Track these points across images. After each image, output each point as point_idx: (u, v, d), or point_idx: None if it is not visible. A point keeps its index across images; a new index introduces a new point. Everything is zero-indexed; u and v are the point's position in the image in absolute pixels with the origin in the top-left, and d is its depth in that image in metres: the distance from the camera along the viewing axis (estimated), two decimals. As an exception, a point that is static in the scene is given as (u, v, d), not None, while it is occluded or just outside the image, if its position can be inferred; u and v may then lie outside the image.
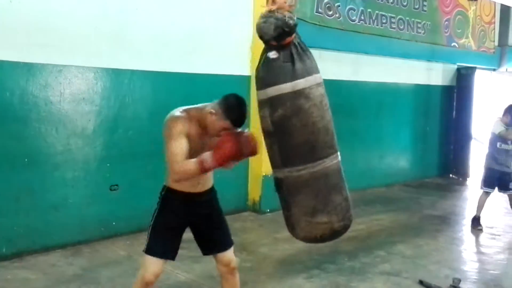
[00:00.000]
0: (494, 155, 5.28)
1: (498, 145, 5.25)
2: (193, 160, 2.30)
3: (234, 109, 2.36)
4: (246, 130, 2.42)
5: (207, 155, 2.28)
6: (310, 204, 2.22)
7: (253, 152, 2.34)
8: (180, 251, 2.65)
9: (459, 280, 3.72)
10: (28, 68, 4.08)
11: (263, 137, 2.30)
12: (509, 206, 5.43)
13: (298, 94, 2.14)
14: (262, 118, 2.24)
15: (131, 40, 4.66)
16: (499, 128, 5.21)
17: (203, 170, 2.30)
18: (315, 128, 2.17)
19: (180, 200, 2.52)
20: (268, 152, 2.28)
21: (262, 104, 2.22)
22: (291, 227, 2.33)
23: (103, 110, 4.55)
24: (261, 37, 2.19)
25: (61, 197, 4.33)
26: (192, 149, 2.37)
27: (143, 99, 4.78)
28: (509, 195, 5.36)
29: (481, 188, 5.41)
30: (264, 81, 2.18)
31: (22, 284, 3.57)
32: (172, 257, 2.58)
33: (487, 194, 5.37)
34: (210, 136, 2.44)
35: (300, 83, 2.14)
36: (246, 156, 2.33)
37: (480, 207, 5.40)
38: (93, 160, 4.51)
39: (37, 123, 4.15)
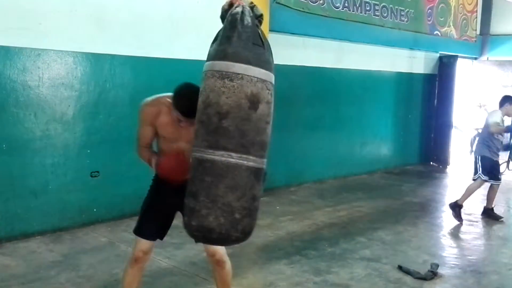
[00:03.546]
0: (489, 144, 5.24)
1: (495, 135, 5.23)
2: (148, 154, 2.51)
3: (182, 99, 2.29)
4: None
5: (155, 161, 2.46)
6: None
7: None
8: (162, 238, 2.66)
9: (437, 266, 3.80)
10: (5, 52, 3.98)
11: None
12: (486, 194, 5.44)
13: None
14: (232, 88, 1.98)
15: (111, 24, 4.57)
16: (498, 119, 5.15)
17: (151, 166, 2.49)
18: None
19: (168, 186, 2.54)
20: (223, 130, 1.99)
21: (233, 75, 1.97)
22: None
23: (83, 96, 4.48)
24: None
25: (41, 183, 4.27)
26: (167, 137, 2.41)
27: (124, 84, 4.71)
28: (492, 184, 5.33)
29: (482, 178, 5.24)
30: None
31: (2, 271, 3.53)
32: (160, 238, 2.66)
33: (482, 183, 5.29)
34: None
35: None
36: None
37: (468, 196, 5.28)
38: (73, 146, 4.45)
39: (15, 108, 4.07)
